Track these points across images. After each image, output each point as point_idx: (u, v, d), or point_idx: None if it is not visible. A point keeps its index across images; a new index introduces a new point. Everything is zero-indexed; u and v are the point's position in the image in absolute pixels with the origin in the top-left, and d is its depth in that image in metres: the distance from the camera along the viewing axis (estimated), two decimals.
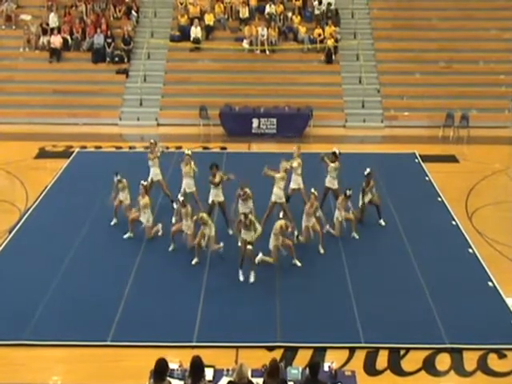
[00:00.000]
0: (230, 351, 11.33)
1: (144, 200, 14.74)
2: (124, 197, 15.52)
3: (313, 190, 14.63)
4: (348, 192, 14.92)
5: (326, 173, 16.02)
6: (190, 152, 16.06)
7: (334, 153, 15.81)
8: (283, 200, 15.23)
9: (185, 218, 14.30)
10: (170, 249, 14.50)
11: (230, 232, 15.05)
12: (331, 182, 15.86)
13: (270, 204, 15.19)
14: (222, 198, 15.09)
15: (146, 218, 14.91)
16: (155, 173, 16.36)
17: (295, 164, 15.70)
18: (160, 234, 15.05)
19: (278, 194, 15.10)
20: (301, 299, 12.85)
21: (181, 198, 14.45)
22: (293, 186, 15.90)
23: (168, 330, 11.85)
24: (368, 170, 15.65)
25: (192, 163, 15.77)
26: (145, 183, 15.02)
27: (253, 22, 26.59)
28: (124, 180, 15.55)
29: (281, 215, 15.54)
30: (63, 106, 24.15)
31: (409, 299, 12.91)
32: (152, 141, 16.87)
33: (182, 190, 15.60)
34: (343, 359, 11.16)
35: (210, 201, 15.18)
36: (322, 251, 14.55)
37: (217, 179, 14.90)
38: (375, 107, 24.34)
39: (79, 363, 11.13)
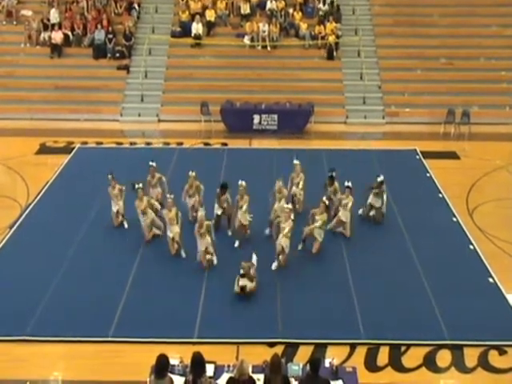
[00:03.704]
0: (231, 347, 11.34)
1: (171, 213, 14.24)
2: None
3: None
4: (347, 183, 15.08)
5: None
6: (194, 173, 15.51)
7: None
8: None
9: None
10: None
11: (230, 233, 15.05)
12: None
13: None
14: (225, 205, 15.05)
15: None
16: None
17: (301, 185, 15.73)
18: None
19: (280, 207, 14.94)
20: (302, 295, 12.85)
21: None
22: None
23: (169, 325, 11.86)
24: (381, 177, 15.68)
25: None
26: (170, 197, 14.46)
27: (254, 18, 26.54)
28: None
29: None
30: (64, 102, 24.12)
31: (409, 295, 12.92)
32: (153, 164, 16.07)
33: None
34: (344, 355, 11.17)
35: (215, 214, 15.11)
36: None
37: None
38: (376, 103, 24.32)
39: (80, 359, 11.15)
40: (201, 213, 14.14)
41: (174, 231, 14.18)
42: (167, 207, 14.31)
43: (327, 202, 14.41)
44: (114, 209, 15.45)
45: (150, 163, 15.91)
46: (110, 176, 15.45)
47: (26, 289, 12.93)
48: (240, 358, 9.52)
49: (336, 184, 15.61)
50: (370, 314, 12.26)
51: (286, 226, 13.57)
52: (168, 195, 14.54)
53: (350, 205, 14.93)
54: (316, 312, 12.32)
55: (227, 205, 14.96)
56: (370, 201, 15.68)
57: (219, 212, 15.01)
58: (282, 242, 13.62)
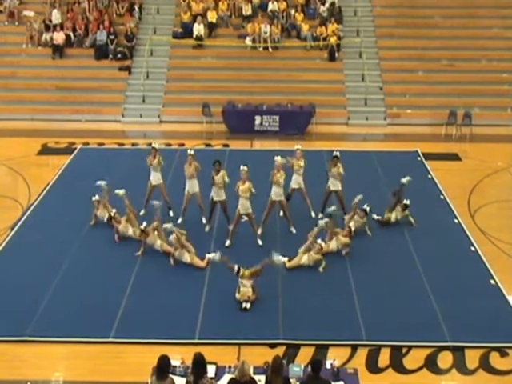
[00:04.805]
0: (232, 348, 11.33)
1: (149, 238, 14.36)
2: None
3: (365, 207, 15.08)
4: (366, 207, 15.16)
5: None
6: (192, 152, 15.54)
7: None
8: (282, 198, 15.18)
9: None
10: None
11: (230, 228, 14.95)
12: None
13: (270, 202, 15.15)
14: (223, 197, 14.94)
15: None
16: (156, 177, 15.79)
17: (296, 167, 15.63)
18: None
19: (277, 192, 15.05)
20: (303, 296, 12.84)
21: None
22: (293, 185, 15.83)
23: (170, 326, 11.85)
24: (408, 201, 15.66)
25: (194, 163, 15.28)
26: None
27: (256, 19, 26.52)
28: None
29: (281, 214, 15.57)
30: (66, 103, 24.16)
31: (411, 297, 12.91)
32: (155, 146, 15.95)
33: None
34: (345, 357, 11.17)
35: (210, 199, 15.05)
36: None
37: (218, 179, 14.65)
38: (378, 105, 24.32)
39: (81, 360, 11.15)
40: (173, 236, 13.92)
41: (157, 245, 14.32)
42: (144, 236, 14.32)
43: (353, 228, 14.50)
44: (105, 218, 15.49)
45: (153, 145, 15.97)
46: (95, 199, 15.46)
47: (28, 289, 12.94)
48: (241, 359, 9.51)
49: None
50: (372, 315, 12.25)
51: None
52: (142, 226, 14.28)
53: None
54: (317, 313, 12.31)
55: (223, 189, 14.75)
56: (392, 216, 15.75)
57: (215, 198, 14.86)
58: (307, 258, 13.86)
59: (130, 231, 14.84)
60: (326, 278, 13.57)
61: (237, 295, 12.61)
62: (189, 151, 15.56)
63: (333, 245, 14.32)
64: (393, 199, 15.82)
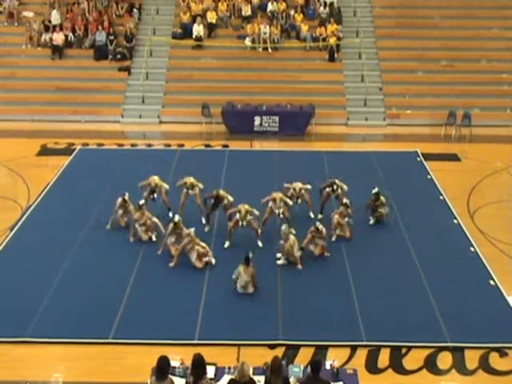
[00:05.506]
0: (232, 349, 11.31)
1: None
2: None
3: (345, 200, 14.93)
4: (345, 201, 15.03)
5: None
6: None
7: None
8: (282, 210, 14.93)
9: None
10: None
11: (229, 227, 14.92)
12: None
13: (268, 211, 15.03)
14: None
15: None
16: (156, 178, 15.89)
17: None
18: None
19: (277, 204, 15.00)
20: (302, 297, 12.83)
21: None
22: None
23: (170, 327, 11.83)
24: (376, 189, 15.64)
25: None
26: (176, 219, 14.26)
27: (255, 20, 26.52)
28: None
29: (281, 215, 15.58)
30: (65, 103, 24.15)
31: (410, 298, 12.90)
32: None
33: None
34: (345, 357, 11.15)
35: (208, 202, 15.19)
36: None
37: None
38: (377, 105, 24.32)
39: (81, 360, 11.14)
40: (189, 230, 13.96)
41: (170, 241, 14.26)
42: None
43: (320, 228, 14.27)
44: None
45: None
46: (126, 196, 15.29)
47: (27, 290, 12.92)
48: (241, 360, 9.52)
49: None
50: (371, 315, 12.23)
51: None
52: (176, 218, 14.20)
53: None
54: (317, 314, 12.31)
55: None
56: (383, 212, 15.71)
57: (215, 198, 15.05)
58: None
59: (138, 227, 14.83)
60: (326, 278, 13.58)
61: (233, 277, 12.78)
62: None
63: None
64: (369, 210, 15.77)
